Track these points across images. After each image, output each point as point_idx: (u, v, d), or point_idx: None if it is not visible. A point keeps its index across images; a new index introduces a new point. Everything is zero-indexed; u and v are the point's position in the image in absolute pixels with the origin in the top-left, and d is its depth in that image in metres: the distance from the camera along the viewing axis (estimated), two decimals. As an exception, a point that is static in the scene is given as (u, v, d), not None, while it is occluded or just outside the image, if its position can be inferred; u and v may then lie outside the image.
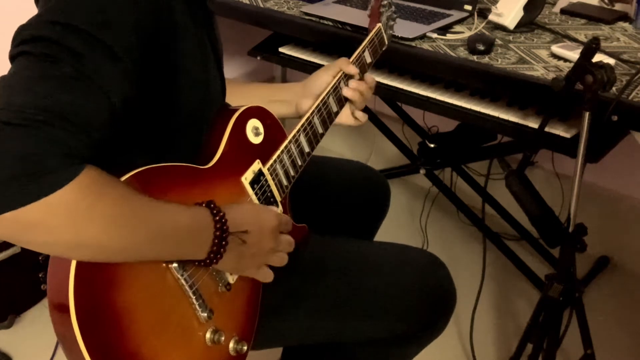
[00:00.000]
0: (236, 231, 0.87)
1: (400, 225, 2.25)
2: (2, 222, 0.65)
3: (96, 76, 0.73)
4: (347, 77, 1.20)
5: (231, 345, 0.92)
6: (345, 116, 1.21)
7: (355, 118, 1.22)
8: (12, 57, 0.74)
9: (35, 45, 0.72)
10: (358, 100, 1.19)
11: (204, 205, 0.85)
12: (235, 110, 1.00)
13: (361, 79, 1.21)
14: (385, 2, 1.32)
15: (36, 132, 0.67)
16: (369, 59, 1.26)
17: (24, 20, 0.76)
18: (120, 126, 0.78)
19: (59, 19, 0.73)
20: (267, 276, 0.96)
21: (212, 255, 0.84)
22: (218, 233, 0.84)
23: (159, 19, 0.81)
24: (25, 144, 0.66)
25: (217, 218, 0.84)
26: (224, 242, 0.84)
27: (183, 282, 0.84)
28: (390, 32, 1.37)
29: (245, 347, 0.94)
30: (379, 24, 1.30)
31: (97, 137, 0.73)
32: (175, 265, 0.83)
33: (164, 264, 0.83)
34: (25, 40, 0.73)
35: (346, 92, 1.18)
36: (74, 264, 0.73)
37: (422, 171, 2.02)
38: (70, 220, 0.68)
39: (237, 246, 0.88)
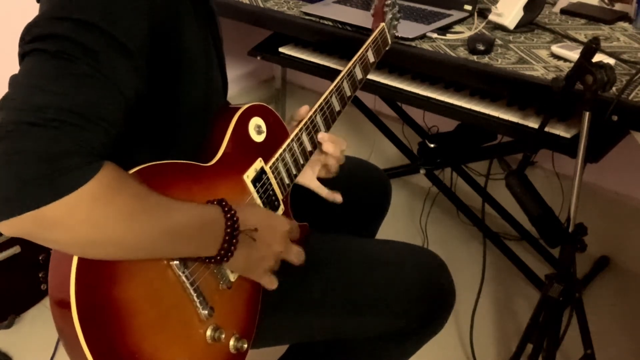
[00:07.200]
0: (246, 229, 0.88)
1: (400, 225, 2.25)
2: (24, 221, 0.66)
3: (111, 73, 0.74)
4: (350, 75, 1.19)
5: (232, 343, 0.93)
6: (308, 179, 1.15)
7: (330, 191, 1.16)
8: (23, 55, 0.74)
9: (48, 43, 0.72)
10: (333, 158, 1.12)
11: (215, 203, 0.86)
12: (237, 108, 1.00)
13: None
14: (389, 1, 1.32)
15: (58, 132, 0.67)
16: (372, 59, 1.26)
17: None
18: (128, 122, 0.78)
19: (71, 15, 0.73)
20: (272, 282, 0.97)
21: (222, 252, 0.85)
22: (229, 230, 0.84)
23: (165, 15, 0.82)
24: (48, 144, 0.67)
25: (229, 215, 0.85)
26: (234, 240, 0.85)
27: (184, 279, 0.85)
28: (394, 32, 1.37)
29: (245, 345, 0.94)
30: (382, 24, 1.31)
31: (114, 133, 0.74)
32: (176, 262, 0.84)
33: (165, 261, 0.83)
34: (37, 38, 0.72)
35: (327, 147, 1.11)
36: (75, 259, 0.73)
37: (422, 171, 2.02)
38: (90, 217, 0.69)
39: (247, 245, 0.89)
